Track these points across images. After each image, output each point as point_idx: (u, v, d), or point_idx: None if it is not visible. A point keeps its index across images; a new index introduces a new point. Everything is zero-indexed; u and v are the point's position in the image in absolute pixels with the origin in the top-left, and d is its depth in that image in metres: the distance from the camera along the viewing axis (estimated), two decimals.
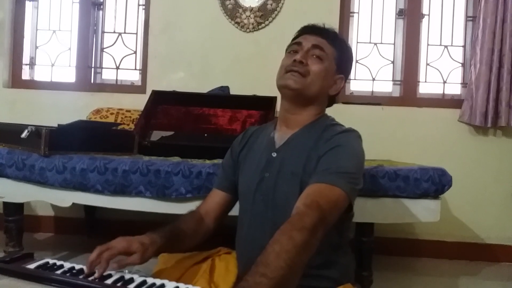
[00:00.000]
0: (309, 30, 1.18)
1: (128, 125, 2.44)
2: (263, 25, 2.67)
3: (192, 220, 1.16)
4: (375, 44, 2.77)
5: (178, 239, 1.08)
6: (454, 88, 2.74)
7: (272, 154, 1.12)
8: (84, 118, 2.46)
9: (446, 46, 2.74)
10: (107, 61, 2.90)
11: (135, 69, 2.86)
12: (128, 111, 2.54)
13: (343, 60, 1.17)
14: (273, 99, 2.28)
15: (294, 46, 1.16)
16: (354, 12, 2.77)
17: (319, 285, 1.04)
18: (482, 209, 2.56)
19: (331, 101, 1.22)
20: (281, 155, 1.11)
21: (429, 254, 2.54)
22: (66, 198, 1.71)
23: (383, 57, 2.77)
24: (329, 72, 1.13)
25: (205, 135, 2.29)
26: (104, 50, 2.89)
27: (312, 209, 0.88)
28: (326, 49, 1.12)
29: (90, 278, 0.83)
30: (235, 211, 1.24)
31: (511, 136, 2.57)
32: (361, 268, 1.71)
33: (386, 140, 2.56)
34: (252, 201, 1.11)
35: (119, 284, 0.82)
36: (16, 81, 2.85)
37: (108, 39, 2.89)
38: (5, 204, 1.81)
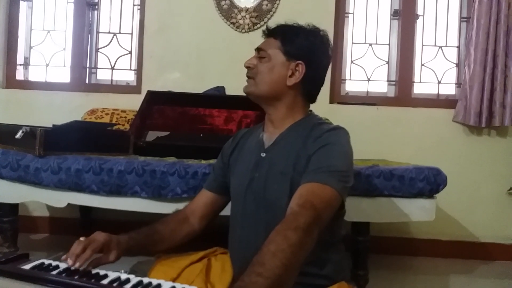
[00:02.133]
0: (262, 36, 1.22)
1: (123, 125, 2.44)
2: (258, 25, 2.67)
3: (173, 220, 1.19)
4: (370, 44, 2.78)
5: (153, 240, 1.11)
6: (449, 88, 2.76)
7: (261, 154, 1.14)
8: (79, 118, 2.45)
9: (440, 47, 2.75)
10: (102, 62, 2.89)
11: (130, 69, 2.85)
12: (123, 111, 2.53)
13: (293, 47, 1.13)
14: None
15: None
16: (349, 13, 2.78)
17: (313, 283, 1.04)
18: (476, 208, 2.58)
19: (308, 93, 1.17)
20: (270, 155, 1.12)
21: (424, 253, 2.55)
22: (61, 199, 1.70)
23: (378, 58, 2.78)
24: (276, 65, 1.13)
25: (201, 135, 2.28)
26: (99, 50, 2.88)
27: (306, 208, 0.89)
28: (267, 47, 1.15)
29: (85, 278, 0.83)
30: (228, 211, 1.24)
31: (505, 136, 2.60)
32: (356, 267, 1.72)
33: (381, 140, 2.58)
34: (244, 201, 1.12)
35: (115, 284, 0.82)
36: (10, 81, 2.84)
37: (103, 39, 2.88)
38: (0, 204, 1.80)
